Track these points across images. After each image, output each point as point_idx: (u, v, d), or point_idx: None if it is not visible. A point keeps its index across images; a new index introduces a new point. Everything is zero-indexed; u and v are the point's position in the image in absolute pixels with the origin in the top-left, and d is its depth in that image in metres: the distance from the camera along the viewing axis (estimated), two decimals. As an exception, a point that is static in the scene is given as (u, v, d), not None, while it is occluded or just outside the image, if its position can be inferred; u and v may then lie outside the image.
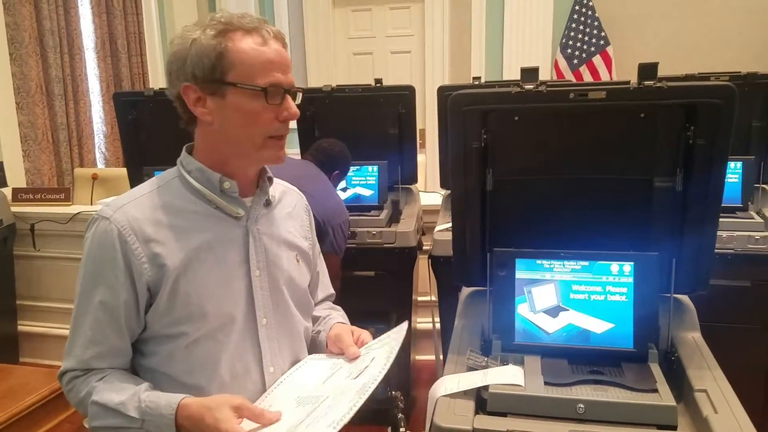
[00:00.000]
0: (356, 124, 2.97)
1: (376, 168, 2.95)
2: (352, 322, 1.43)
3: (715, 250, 2.57)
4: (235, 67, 1.08)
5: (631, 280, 1.48)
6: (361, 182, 2.98)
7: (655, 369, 1.42)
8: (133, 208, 1.12)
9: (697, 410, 1.32)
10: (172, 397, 1.06)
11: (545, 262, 1.52)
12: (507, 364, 1.44)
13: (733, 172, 2.63)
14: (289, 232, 1.29)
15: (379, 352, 1.22)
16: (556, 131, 1.62)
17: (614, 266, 1.49)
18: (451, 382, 1.39)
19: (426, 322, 3.20)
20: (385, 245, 2.74)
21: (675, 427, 1.28)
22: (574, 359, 1.46)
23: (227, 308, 1.15)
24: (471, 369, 1.45)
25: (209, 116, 1.12)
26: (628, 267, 1.48)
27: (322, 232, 2.17)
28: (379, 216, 2.82)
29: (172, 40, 1.13)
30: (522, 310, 1.53)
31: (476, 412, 1.31)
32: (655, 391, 1.33)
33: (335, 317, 1.42)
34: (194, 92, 1.11)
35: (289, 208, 1.32)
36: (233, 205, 1.17)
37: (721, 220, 2.53)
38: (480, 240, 1.64)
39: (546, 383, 1.37)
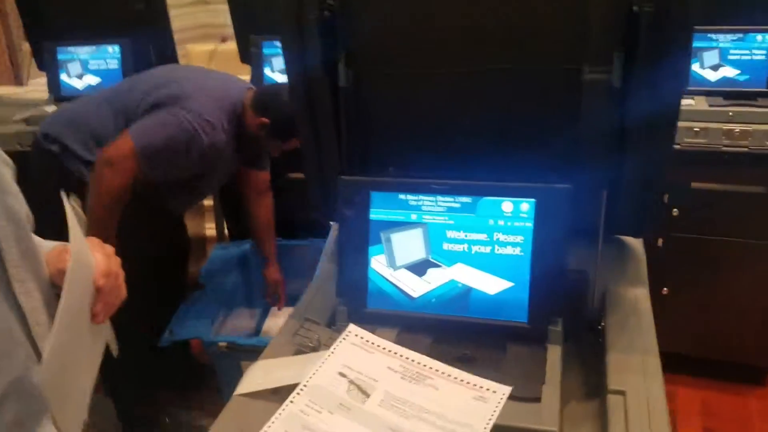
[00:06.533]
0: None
1: (116, 48, 2.49)
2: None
3: (725, 148, 2.04)
4: None
5: (530, 224, 1.00)
6: (102, 67, 2.52)
7: (554, 355, 0.98)
8: None
9: (604, 420, 0.89)
10: None
11: (411, 198, 1.05)
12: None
13: (760, 46, 2.04)
14: None
15: None
16: (449, 2, 1.08)
17: (507, 204, 1.01)
18: (256, 375, 0.98)
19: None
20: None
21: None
22: (443, 336, 1.03)
23: None
24: (299, 351, 1.04)
25: None
26: (526, 205, 1.00)
27: None
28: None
29: None
30: (377, 264, 1.08)
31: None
32: (537, 400, 0.89)
33: None
34: None
35: None
36: None
37: (736, 109, 2.00)
38: (336, 159, 1.17)
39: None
